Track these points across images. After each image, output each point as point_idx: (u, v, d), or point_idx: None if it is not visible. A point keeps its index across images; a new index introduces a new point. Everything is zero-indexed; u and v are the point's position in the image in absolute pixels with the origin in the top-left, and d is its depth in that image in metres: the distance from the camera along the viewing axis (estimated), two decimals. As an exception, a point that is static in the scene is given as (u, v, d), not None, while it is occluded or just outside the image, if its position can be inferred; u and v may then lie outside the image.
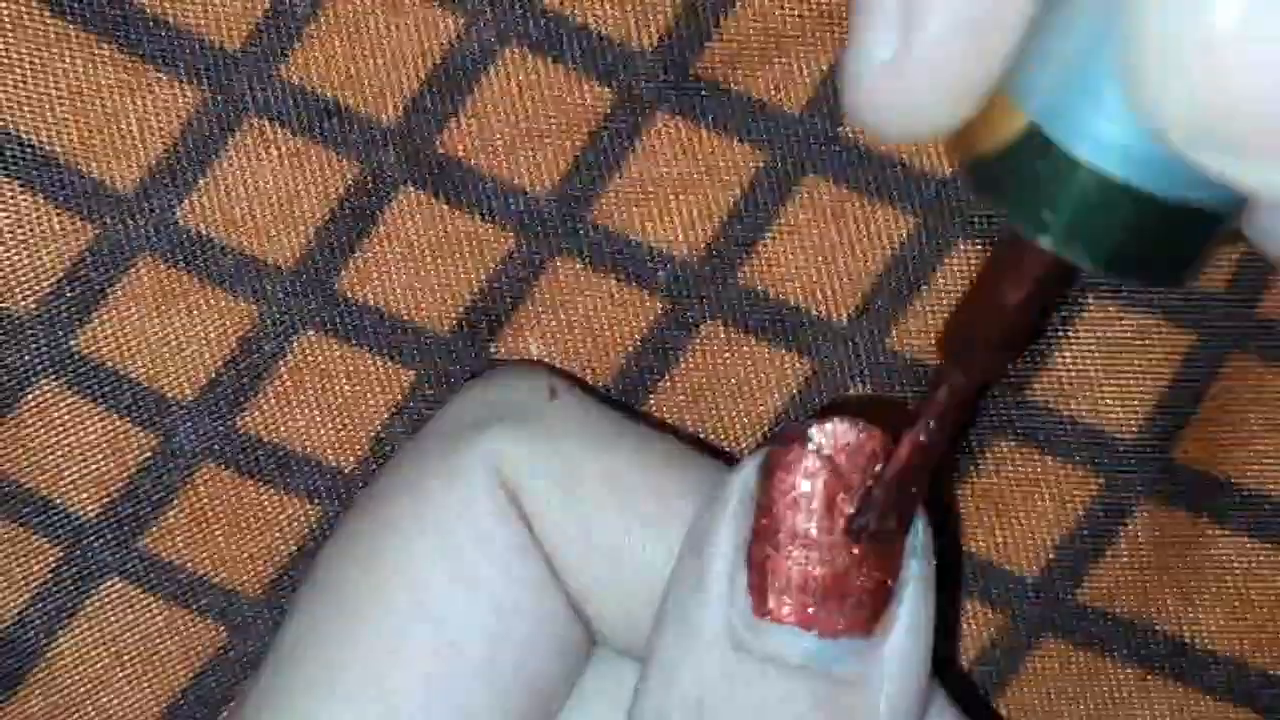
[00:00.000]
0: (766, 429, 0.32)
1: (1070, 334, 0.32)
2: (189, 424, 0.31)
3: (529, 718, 0.27)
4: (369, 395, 0.32)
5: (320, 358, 0.31)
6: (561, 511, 0.27)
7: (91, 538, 0.32)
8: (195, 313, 0.31)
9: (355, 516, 0.28)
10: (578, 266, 0.31)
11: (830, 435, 0.25)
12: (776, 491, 0.25)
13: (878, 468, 0.25)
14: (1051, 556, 0.32)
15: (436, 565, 0.26)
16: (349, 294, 0.31)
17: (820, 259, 0.32)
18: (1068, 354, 0.32)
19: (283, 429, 0.32)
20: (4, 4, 0.30)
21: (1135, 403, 0.32)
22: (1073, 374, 0.32)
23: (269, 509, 0.32)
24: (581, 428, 0.27)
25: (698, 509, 0.26)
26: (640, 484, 0.27)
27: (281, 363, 0.31)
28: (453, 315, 0.31)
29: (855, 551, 0.24)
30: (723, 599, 0.24)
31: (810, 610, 0.24)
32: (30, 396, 0.31)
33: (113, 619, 0.32)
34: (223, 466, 0.32)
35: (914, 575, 0.25)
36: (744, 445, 0.32)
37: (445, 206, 0.31)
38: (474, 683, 0.26)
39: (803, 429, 0.25)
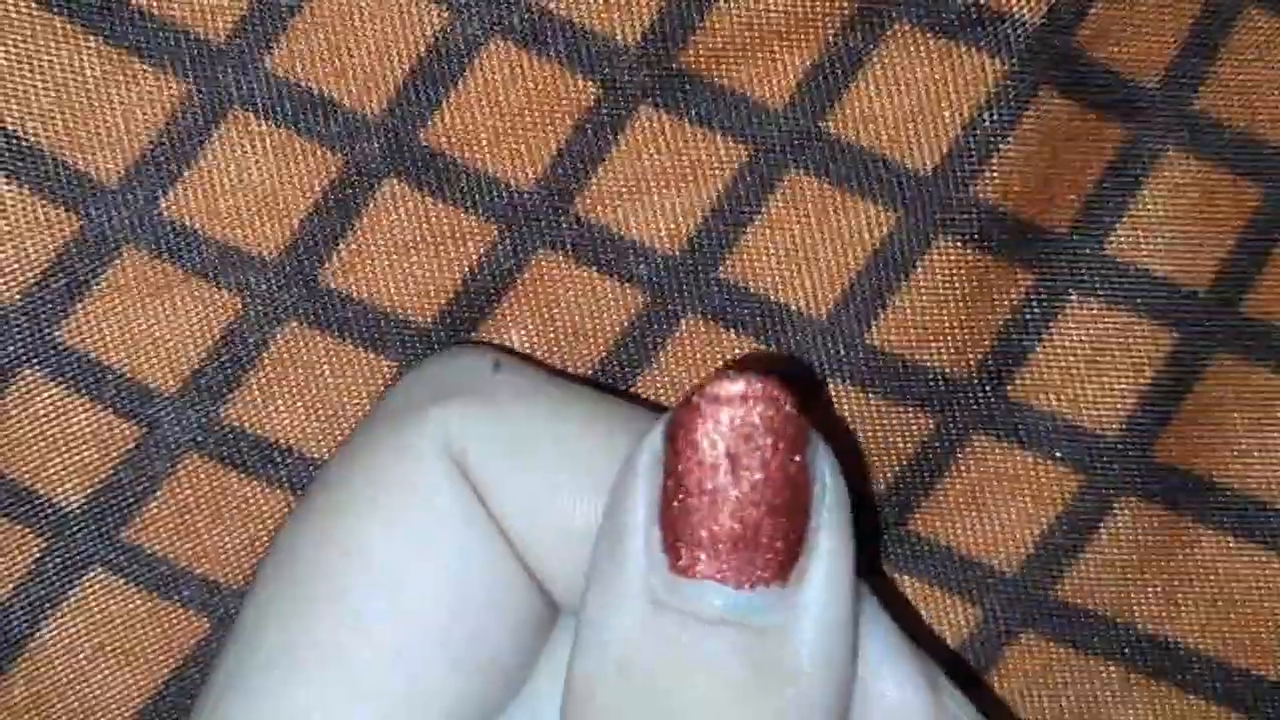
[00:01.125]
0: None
1: (1052, 331, 0.32)
2: (172, 415, 0.31)
3: (489, 685, 0.27)
4: (352, 387, 0.32)
5: (304, 349, 0.31)
6: (513, 479, 0.27)
7: (75, 528, 0.32)
8: (179, 304, 0.31)
9: (308, 500, 0.28)
10: (560, 260, 0.31)
11: (730, 390, 0.25)
12: (681, 450, 0.25)
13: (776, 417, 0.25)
14: (1030, 551, 0.32)
15: (390, 539, 0.26)
16: (333, 286, 0.31)
17: (801, 254, 0.32)
18: (1049, 351, 0.32)
19: (266, 420, 0.32)
20: (-11, -5, 0.30)
21: (1116, 401, 0.32)
22: (1054, 371, 0.32)
23: (252, 500, 0.32)
24: (528, 396, 0.27)
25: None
26: (590, 447, 0.27)
27: (265, 354, 0.31)
28: (435, 307, 0.32)
29: (765, 503, 0.24)
30: (638, 558, 0.25)
31: (724, 563, 0.24)
32: (14, 387, 0.31)
33: (96, 610, 0.32)
34: (206, 458, 0.32)
35: (825, 524, 0.25)
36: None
37: (429, 199, 0.31)
38: (433, 652, 0.26)
39: (702, 387, 0.25)
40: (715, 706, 0.24)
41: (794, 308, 0.32)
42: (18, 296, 0.31)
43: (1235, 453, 0.33)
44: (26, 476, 0.31)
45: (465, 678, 0.26)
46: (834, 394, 0.32)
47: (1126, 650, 0.33)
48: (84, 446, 0.31)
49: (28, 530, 0.32)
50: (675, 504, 0.25)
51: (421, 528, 0.26)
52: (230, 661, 0.27)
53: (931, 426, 0.32)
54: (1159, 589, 0.33)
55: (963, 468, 0.32)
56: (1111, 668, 0.33)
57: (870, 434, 0.32)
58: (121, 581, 0.32)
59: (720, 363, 0.32)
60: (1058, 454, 0.32)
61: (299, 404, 0.32)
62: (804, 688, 0.24)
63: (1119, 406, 0.32)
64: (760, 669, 0.24)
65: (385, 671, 0.26)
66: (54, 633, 0.32)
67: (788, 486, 0.25)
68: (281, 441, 0.32)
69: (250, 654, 0.26)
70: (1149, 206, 0.33)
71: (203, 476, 0.32)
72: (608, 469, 0.26)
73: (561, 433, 0.27)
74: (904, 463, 0.32)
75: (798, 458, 0.25)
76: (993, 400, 0.32)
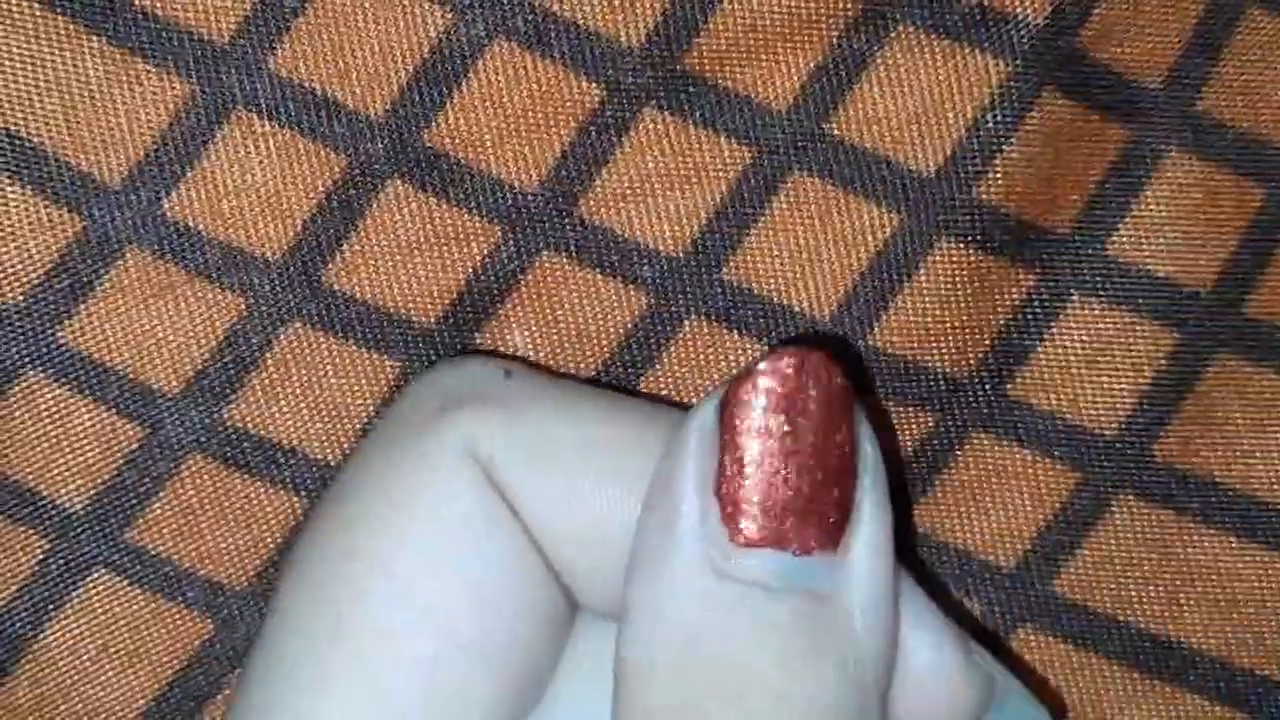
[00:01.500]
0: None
1: (1054, 331, 0.32)
2: (176, 416, 0.31)
3: (523, 689, 0.27)
4: (355, 387, 0.32)
5: (307, 350, 0.31)
6: (540, 480, 0.27)
7: (79, 530, 0.32)
8: (182, 305, 0.31)
9: (323, 513, 0.28)
10: (564, 261, 0.31)
11: (779, 365, 0.26)
12: (736, 425, 0.26)
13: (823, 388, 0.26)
14: (1027, 548, 0.32)
15: (416, 550, 0.26)
16: (336, 286, 0.31)
17: (805, 256, 0.32)
18: (1050, 350, 0.32)
19: (269, 421, 0.32)
20: (-8, -4, 0.30)
21: (1116, 400, 0.32)
22: (1054, 369, 0.32)
23: (255, 501, 0.32)
24: (544, 398, 0.28)
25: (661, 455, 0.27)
26: (612, 442, 0.27)
27: (268, 355, 0.31)
28: (439, 308, 0.32)
29: (818, 472, 0.26)
30: (696, 534, 0.25)
31: (782, 532, 0.25)
32: (17, 388, 0.31)
33: (100, 611, 0.32)
34: (209, 459, 0.32)
35: (868, 488, 0.26)
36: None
37: (433, 200, 0.31)
38: (468, 661, 0.26)
39: (753, 364, 0.26)
40: (782, 669, 0.25)
41: (797, 309, 0.32)
42: (20, 297, 0.31)
43: (1237, 453, 0.33)
44: (30, 478, 0.31)
45: (497, 681, 0.27)
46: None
47: (1129, 649, 0.33)
48: (87, 447, 0.31)
49: (31, 531, 0.32)
50: (732, 477, 0.26)
51: (448, 536, 0.26)
52: (255, 686, 0.27)
53: (931, 424, 0.32)
54: (1160, 588, 0.33)
55: (961, 465, 0.32)
56: (1114, 666, 0.33)
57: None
58: (125, 583, 0.32)
59: (724, 364, 0.32)
60: (1056, 452, 0.32)
61: (302, 404, 0.32)
62: (859, 651, 0.25)
63: (1118, 406, 0.32)
64: (819, 632, 0.25)
65: (415, 681, 0.26)
66: (58, 634, 0.32)
67: (838, 456, 0.26)
68: (285, 442, 0.32)
69: (278, 678, 0.26)
70: (1151, 207, 0.33)
71: (206, 477, 0.32)
72: (631, 462, 0.27)
73: (581, 431, 0.27)
74: (902, 459, 0.32)
75: (846, 428, 0.26)
76: (993, 399, 0.32)
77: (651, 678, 0.25)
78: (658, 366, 0.32)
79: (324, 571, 0.27)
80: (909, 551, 0.32)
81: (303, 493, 0.32)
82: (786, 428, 0.26)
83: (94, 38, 0.30)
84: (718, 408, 0.26)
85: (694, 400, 0.32)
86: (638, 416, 0.28)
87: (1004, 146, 0.31)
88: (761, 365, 0.26)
